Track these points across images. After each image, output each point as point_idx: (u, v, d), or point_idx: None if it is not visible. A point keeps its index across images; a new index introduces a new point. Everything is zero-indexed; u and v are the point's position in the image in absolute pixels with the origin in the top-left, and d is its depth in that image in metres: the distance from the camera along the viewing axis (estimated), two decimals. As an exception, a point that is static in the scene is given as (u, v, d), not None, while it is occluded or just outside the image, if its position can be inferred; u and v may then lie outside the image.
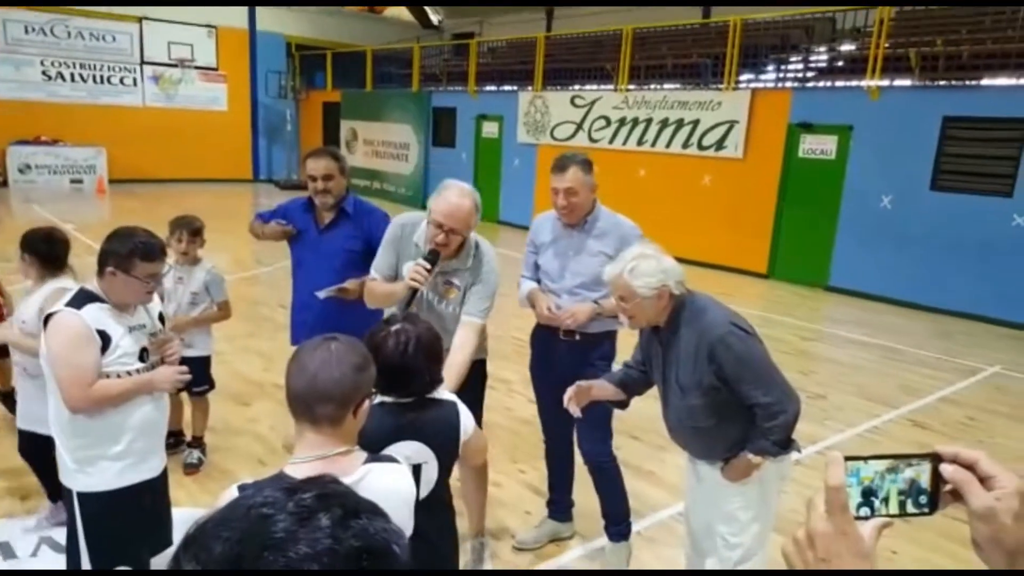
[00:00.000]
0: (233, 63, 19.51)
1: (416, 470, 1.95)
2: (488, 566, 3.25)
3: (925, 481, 0.81)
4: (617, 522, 3.31)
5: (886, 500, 0.82)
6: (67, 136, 16.91)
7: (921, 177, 9.02)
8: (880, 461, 0.82)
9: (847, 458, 0.81)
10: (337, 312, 3.34)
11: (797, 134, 10.22)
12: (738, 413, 2.36)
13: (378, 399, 1.93)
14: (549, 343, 3.23)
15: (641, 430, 4.63)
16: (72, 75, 17.50)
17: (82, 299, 2.33)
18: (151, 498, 2.56)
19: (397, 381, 1.94)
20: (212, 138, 18.97)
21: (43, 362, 2.35)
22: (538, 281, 3.27)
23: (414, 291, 2.72)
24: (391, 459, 1.70)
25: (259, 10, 19.62)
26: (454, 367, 2.63)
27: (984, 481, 0.76)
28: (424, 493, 1.96)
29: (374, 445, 1.74)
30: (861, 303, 9.36)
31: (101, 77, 17.89)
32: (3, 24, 16.41)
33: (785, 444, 2.37)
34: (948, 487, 0.80)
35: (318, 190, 3.48)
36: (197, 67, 19.04)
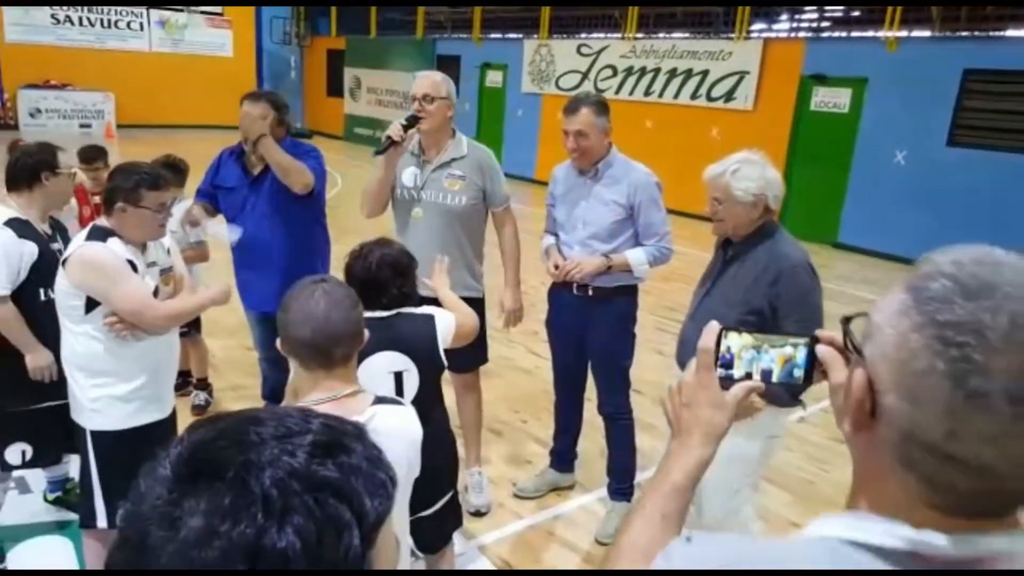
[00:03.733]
0: (238, 9, 19.17)
1: (398, 377, 2.11)
2: (485, 495, 3.34)
3: (801, 359, 0.92)
4: (621, 480, 3.30)
5: (750, 367, 0.95)
6: (76, 80, 16.78)
7: (938, 132, 8.84)
8: (754, 336, 0.94)
9: (723, 328, 0.95)
10: (286, 260, 3.32)
11: (810, 86, 10.02)
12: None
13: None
14: (563, 298, 3.16)
15: (644, 383, 4.66)
16: (80, 19, 17.29)
17: (102, 234, 2.33)
18: (162, 438, 2.58)
19: (367, 296, 2.01)
20: (217, 84, 18.68)
21: (60, 297, 2.33)
22: (557, 235, 3.19)
23: (390, 139, 2.91)
24: (397, 401, 1.73)
25: (265, -47, 19.20)
26: (511, 253, 3.20)
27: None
28: (410, 397, 2.09)
29: (362, 354, 1.80)
30: (871, 261, 9.27)
31: (108, 21, 17.67)
32: (10, -34, 16.15)
33: (795, 398, 2.36)
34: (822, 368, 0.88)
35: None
36: (202, 12, 18.75)
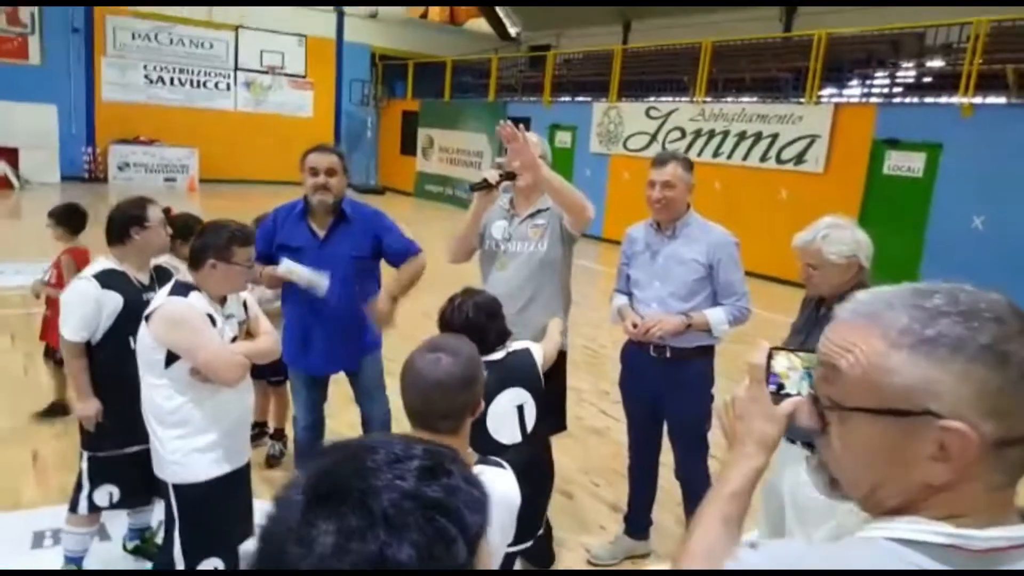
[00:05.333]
0: (320, 71, 20.26)
1: (520, 410, 2.31)
2: None
3: None
4: None
5: (798, 387, 1.03)
6: (163, 137, 17.86)
7: (1016, 198, 8.61)
8: (801, 357, 1.03)
9: (773, 348, 1.04)
10: (340, 325, 3.29)
11: (882, 150, 9.92)
12: None
13: None
14: (639, 359, 3.13)
15: (719, 447, 4.57)
16: (172, 79, 18.51)
17: (185, 289, 2.39)
18: (240, 488, 2.61)
19: (474, 343, 2.14)
20: (297, 142, 19.35)
21: (142, 350, 2.38)
22: (629, 295, 3.19)
23: (486, 181, 2.94)
24: (499, 464, 1.75)
25: (346, 21, 20.34)
26: (565, 186, 3.01)
27: None
28: (530, 426, 2.33)
29: (488, 395, 2.03)
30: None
31: (197, 82, 18.86)
32: (113, 31, 17.52)
33: None
34: None
35: (318, 185, 3.16)
36: (287, 74, 19.87)
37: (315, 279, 3.16)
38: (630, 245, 3.21)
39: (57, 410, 4.40)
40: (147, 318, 2.36)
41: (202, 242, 2.41)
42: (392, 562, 0.60)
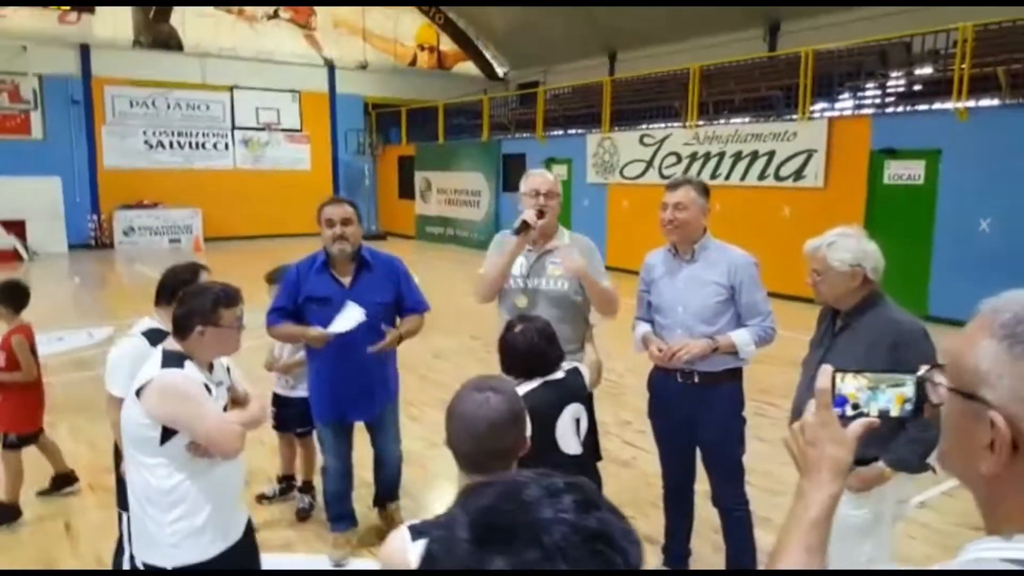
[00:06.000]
0: (315, 124, 20.59)
1: (577, 423, 2.48)
2: None
3: (911, 393, 1.02)
4: None
5: (867, 407, 1.04)
6: (166, 199, 18.10)
7: (1021, 197, 8.64)
8: (867, 377, 1.04)
9: (837, 370, 1.05)
10: (369, 372, 3.43)
11: (881, 160, 9.98)
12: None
13: (539, 380, 2.42)
14: (667, 386, 3.12)
15: (752, 472, 4.53)
16: (171, 143, 18.82)
17: (178, 359, 2.27)
18: (244, 560, 2.51)
19: (538, 366, 2.43)
20: (297, 195, 19.80)
21: (128, 431, 2.26)
22: (651, 322, 3.19)
23: (525, 223, 3.06)
24: None
25: (338, 74, 20.74)
26: (606, 290, 3.16)
27: None
28: (583, 437, 2.50)
29: (552, 413, 2.30)
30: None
31: (196, 143, 19.17)
32: (112, 100, 17.88)
33: (922, 462, 2.34)
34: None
35: (336, 236, 3.31)
36: (283, 130, 20.18)
37: (355, 315, 3.23)
38: (648, 272, 3.22)
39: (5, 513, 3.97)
40: (138, 393, 2.20)
41: (186, 309, 2.29)
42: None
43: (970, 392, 0.82)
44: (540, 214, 3.09)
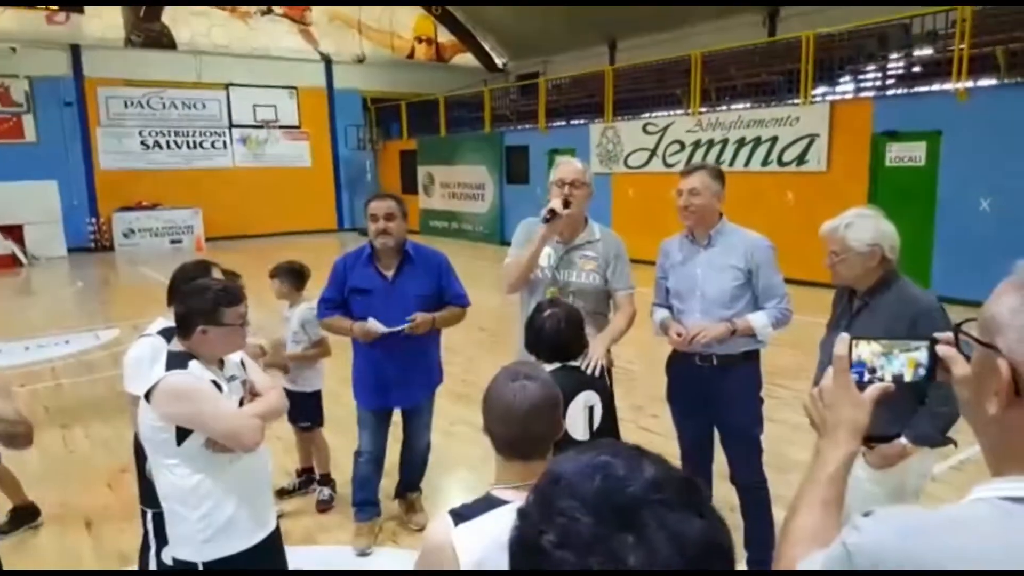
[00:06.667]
0: (314, 121, 20.55)
1: (590, 411, 2.49)
2: None
3: (924, 359, 1.07)
4: (761, 552, 3.16)
5: (882, 372, 1.10)
6: (165, 200, 18.07)
7: (1022, 176, 8.65)
8: (881, 344, 1.10)
9: (853, 337, 1.10)
10: (411, 363, 3.54)
11: (883, 143, 9.98)
12: (903, 394, 2.37)
13: (559, 364, 2.43)
14: (686, 369, 3.15)
15: (763, 452, 4.57)
16: (168, 143, 18.77)
17: (182, 360, 2.26)
18: (272, 556, 2.51)
19: (562, 351, 2.45)
20: (298, 192, 19.90)
21: (145, 434, 2.28)
22: (670, 308, 3.23)
23: (553, 211, 3.05)
24: None
25: (335, 68, 20.69)
26: (617, 325, 3.15)
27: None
28: (596, 425, 2.50)
29: (566, 396, 2.17)
30: (967, 311, 8.92)
31: (194, 143, 19.12)
32: (106, 101, 17.81)
33: (943, 436, 2.36)
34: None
35: (379, 231, 3.43)
36: (281, 127, 20.14)
37: (384, 330, 3.42)
38: (666, 258, 3.25)
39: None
40: (147, 397, 2.20)
41: (187, 308, 2.26)
42: (716, 545, 0.70)
43: (987, 341, 0.87)
44: (566, 203, 3.10)
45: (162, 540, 2.79)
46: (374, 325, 3.42)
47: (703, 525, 0.69)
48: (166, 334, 2.76)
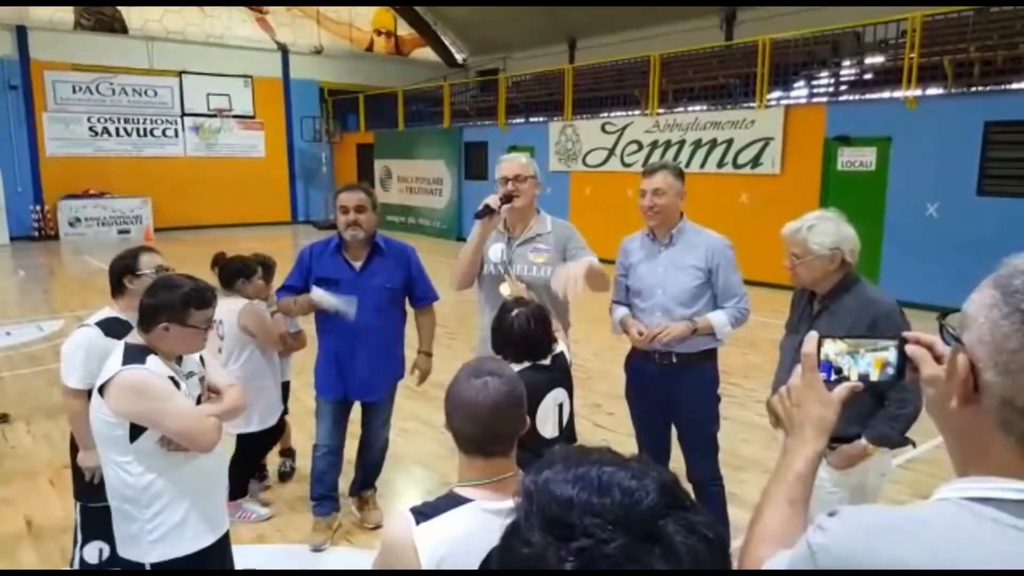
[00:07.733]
0: (269, 111, 20.13)
1: (560, 408, 2.49)
2: None
3: (893, 358, 1.06)
4: None
5: (849, 371, 1.09)
6: (114, 188, 17.53)
7: (967, 183, 8.95)
8: (847, 342, 1.10)
9: (821, 336, 1.11)
10: (374, 355, 3.51)
11: (834, 147, 10.23)
12: (864, 395, 2.42)
13: (528, 363, 2.40)
14: (645, 367, 3.16)
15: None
16: (117, 130, 18.19)
17: (139, 354, 2.18)
18: (223, 558, 2.45)
19: (530, 350, 2.42)
20: (252, 183, 19.50)
21: (97, 429, 2.20)
22: (629, 306, 3.22)
23: (487, 207, 3.05)
24: None
25: (292, 58, 20.32)
26: (598, 264, 3.01)
27: (938, 359, 0.97)
28: (565, 422, 2.52)
29: (537, 396, 2.23)
30: (916, 313, 9.20)
31: (144, 130, 18.56)
32: (53, 85, 17.16)
33: (902, 437, 2.41)
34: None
35: (349, 222, 3.38)
36: (235, 116, 19.69)
37: (342, 305, 3.35)
38: (626, 256, 3.25)
39: None
40: (101, 390, 2.13)
41: (155, 302, 2.18)
42: (721, 540, 0.72)
43: (957, 335, 0.88)
44: (508, 199, 3.10)
45: (88, 535, 2.74)
46: (321, 296, 3.35)
47: (708, 522, 0.71)
48: (104, 325, 2.69)
